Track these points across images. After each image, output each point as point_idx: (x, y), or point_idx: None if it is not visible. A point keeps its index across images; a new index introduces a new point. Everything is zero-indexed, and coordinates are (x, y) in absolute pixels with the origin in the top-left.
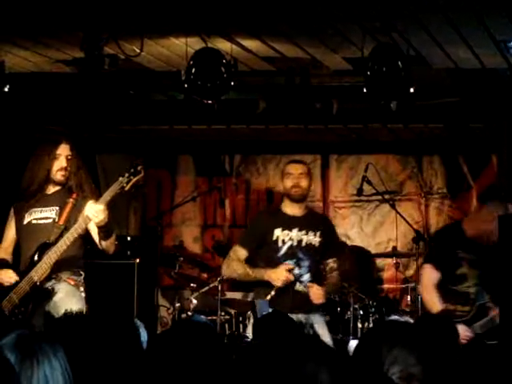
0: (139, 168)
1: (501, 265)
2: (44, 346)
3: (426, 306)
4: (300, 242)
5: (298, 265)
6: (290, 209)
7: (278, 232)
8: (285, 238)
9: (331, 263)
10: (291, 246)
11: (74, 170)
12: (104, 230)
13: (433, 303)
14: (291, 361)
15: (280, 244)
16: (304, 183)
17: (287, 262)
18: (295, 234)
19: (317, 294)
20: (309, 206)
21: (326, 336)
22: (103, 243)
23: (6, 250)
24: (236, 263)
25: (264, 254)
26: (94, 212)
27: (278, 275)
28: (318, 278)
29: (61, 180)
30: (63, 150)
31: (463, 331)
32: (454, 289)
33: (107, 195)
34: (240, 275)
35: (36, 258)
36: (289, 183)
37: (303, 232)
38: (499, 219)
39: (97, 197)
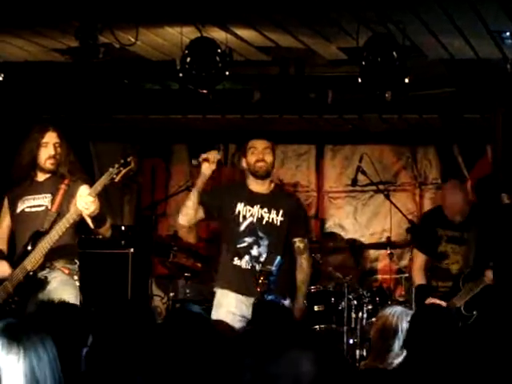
0: (129, 159)
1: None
2: (32, 336)
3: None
4: (261, 219)
5: (256, 243)
6: (254, 185)
7: (240, 207)
8: (246, 213)
9: (297, 243)
10: (251, 223)
11: (64, 157)
12: (97, 219)
13: (413, 282)
14: (276, 346)
15: (241, 219)
16: (268, 158)
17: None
18: (256, 210)
19: (299, 313)
20: (277, 185)
21: None
22: (98, 230)
23: (2, 240)
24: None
25: (226, 228)
26: (85, 204)
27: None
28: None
29: (51, 168)
30: (50, 138)
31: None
32: (438, 265)
33: (97, 186)
34: (187, 204)
35: (29, 247)
36: (253, 158)
37: (265, 210)
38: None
39: (89, 182)
